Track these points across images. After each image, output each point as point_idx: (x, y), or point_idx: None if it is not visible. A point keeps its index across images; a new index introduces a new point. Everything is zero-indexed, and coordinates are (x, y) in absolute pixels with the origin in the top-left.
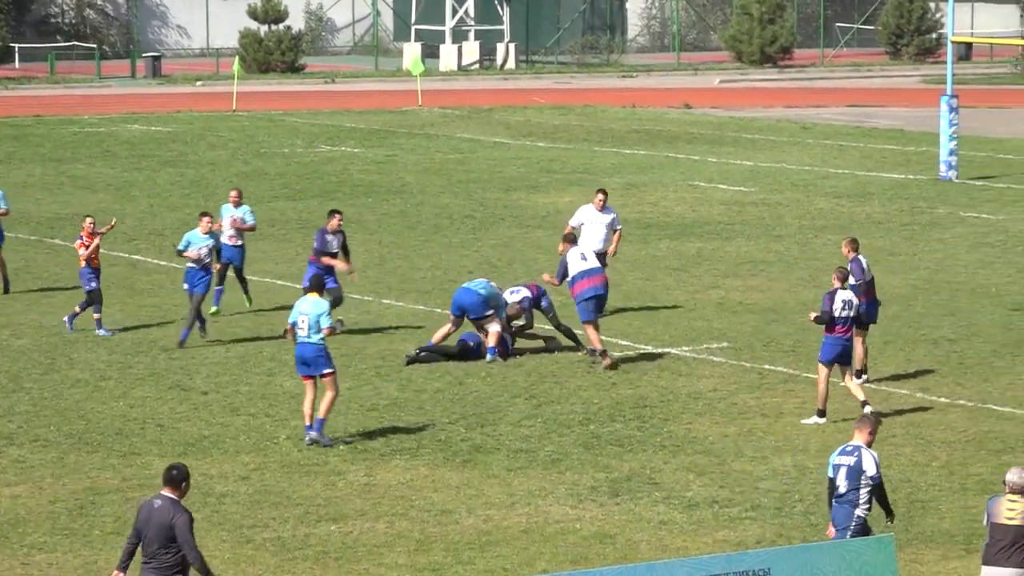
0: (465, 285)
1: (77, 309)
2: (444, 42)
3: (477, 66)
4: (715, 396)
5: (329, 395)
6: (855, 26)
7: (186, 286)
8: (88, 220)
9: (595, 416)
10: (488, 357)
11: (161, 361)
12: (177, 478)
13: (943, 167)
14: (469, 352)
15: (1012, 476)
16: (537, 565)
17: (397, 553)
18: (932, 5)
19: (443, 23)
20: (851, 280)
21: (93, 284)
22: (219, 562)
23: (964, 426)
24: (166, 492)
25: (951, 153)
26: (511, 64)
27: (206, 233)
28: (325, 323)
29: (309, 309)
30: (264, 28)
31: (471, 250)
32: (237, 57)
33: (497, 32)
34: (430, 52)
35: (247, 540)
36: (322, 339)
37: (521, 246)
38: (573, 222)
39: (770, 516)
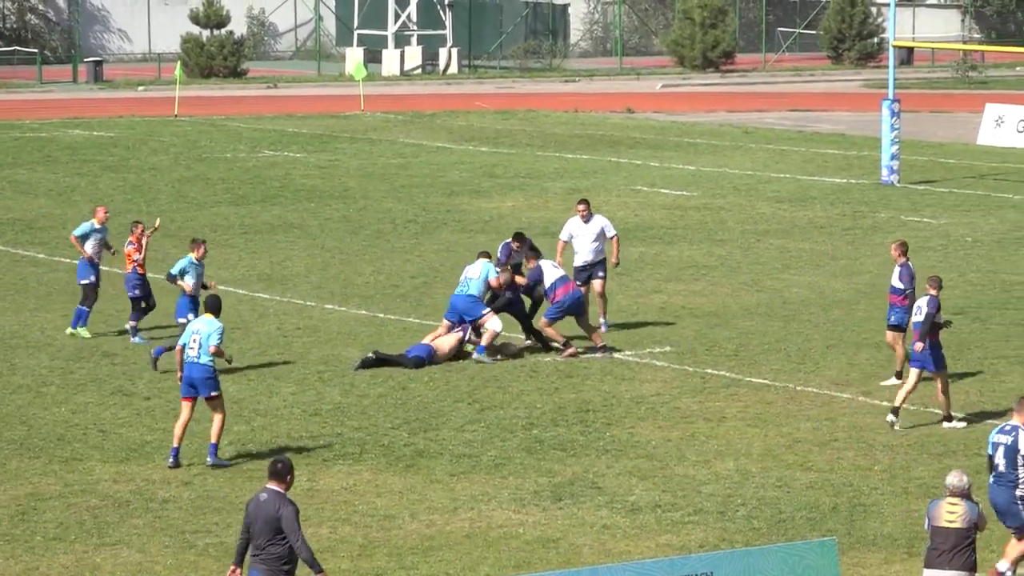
0: (457, 292)
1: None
2: (387, 47)
3: (420, 71)
4: (658, 400)
5: (218, 418)
6: (797, 31)
7: (182, 320)
8: (139, 225)
9: (538, 421)
10: (475, 355)
11: (103, 367)
12: (282, 471)
13: (885, 171)
14: (421, 364)
15: (952, 479)
16: (480, 570)
17: (340, 558)
18: (874, 10)
19: (386, 28)
20: (898, 284)
21: (137, 292)
22: (161, 568)
23: (906, 430)
24: (271, 485)
25: (893, 157)
26: (454, 69)
27: (200, 259)
28: (214, 341)
29: (203, 328)
30: (206, 33)
31: (414, 255)
32: (179, 62)
33: (440, 37)
34: (372, 57)
35: (190, 546)
36: (211, 360)
37: (464, 251)
38: (563, 236)
39: (713, 520)
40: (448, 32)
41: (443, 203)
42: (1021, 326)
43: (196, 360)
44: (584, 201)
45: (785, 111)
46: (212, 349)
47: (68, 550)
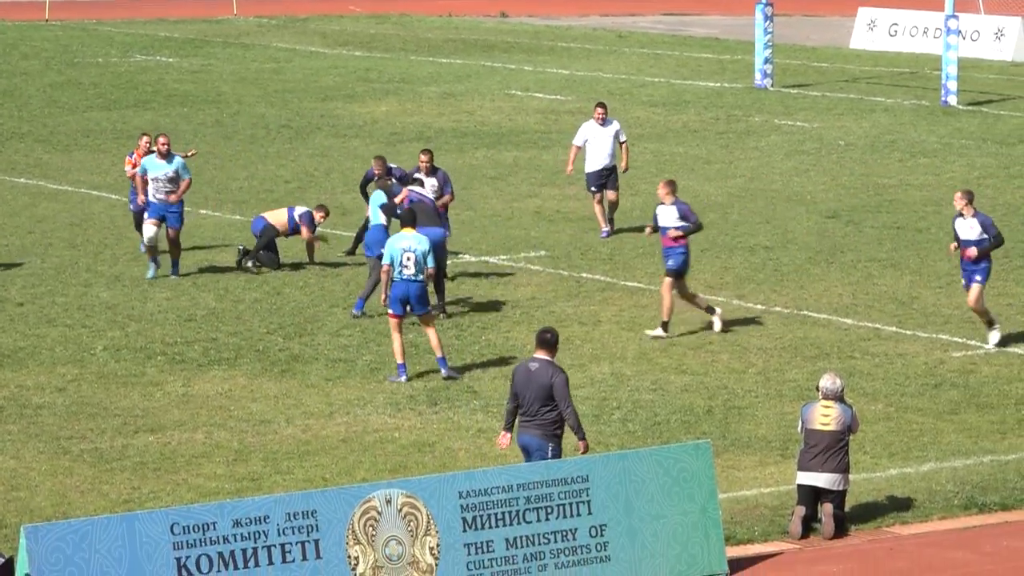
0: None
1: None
2: None
3: None
4: (533, 305)
5: (432, 331)
6: None
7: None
8: (144, 139)
9: (413, 326)
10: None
11: None
12: (551, 340)
13: (758, 75)
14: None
15: (825, 382)
16: (356, 474)
17: (215, 463)
18: None
19: None
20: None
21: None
22: (36, 474)
23: (780, 333)
24: (540, 355)
25: (766, 61)
26: None
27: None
28: (431, 263)
29: (416, 246)
30: None
31: (288, 160)
32: None
33: None
34: None
35: (64, 451)
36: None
37: (338, 155)
38: (576, 141)
39: (588, 423)
40: None
41: (317, 108)
42: (893, 229)
43: (413, 278)
44: (601, 104)
45: (659, 15)
46: (430, 271)
47: None
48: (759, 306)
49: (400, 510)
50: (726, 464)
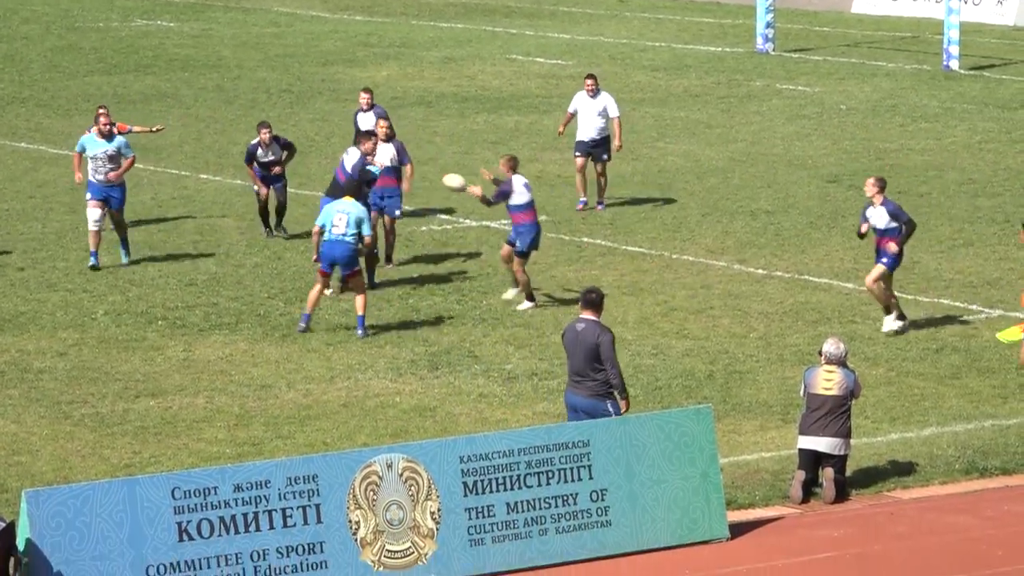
0: (331, 237)
1: None
2: None
3: None
4: (534, 269)
5: (360, 295)
6: None
7: None
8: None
9: (414, 290)
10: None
11: None
12: (596, 301)
13: (760, 40)
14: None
15: (829, 347)
16: (357, 439)
17: (217, 428)
18: None
19: None
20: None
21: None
22: (37, 439)
23: (781, 297)
24: (587, 315)
25: (768, 26)
26: None
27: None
28: (367, 231)
29: (351, 210)
30: None
31: (289, 124)
32: None
33: None
34: None
35: (66, 416)
36: (354, 240)
37: (339, 120)
38: (570, 108)
39: None
40: None
41: (318, 72)
42: (894, 194)
43: (342, 238)
44: (591, 76)
45: None
46: (368, 240)
47: None
48: (760, 271)
49: (401, 475)
50: (727, 429)
